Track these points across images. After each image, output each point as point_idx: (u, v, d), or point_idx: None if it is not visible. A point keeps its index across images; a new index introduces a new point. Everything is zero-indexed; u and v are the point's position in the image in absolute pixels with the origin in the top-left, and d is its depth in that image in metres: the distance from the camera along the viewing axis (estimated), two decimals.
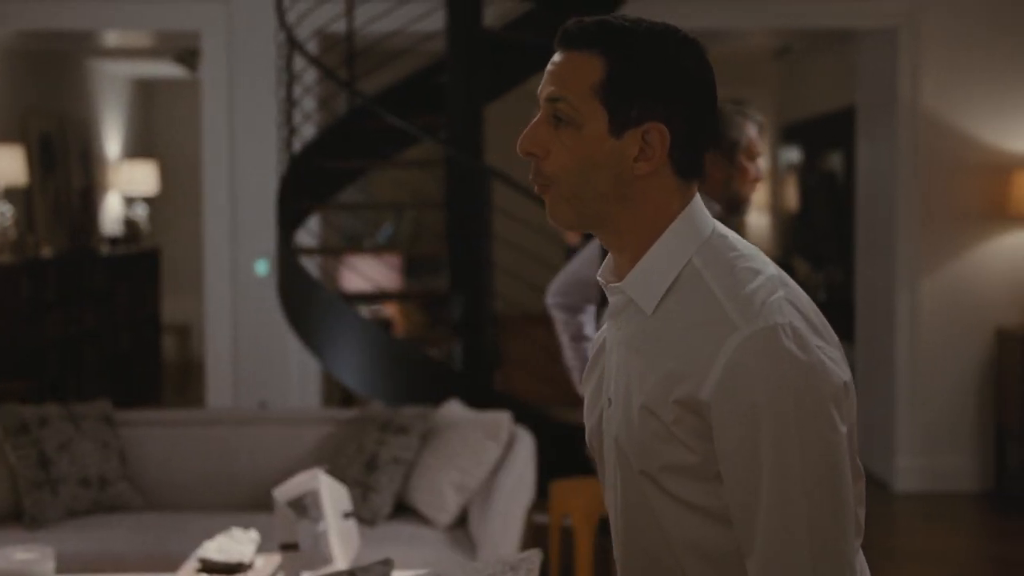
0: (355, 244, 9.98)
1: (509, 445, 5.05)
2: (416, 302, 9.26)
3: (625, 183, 1.62)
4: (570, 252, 6.08)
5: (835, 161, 10.24)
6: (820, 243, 11.07)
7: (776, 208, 12.49)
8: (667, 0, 6.93)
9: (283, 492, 3.95)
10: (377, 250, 9.05)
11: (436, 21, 6.53)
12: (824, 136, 10.46)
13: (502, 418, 5.03)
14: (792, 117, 11.67)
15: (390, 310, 9.34)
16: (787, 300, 1.57)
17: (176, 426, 5.36)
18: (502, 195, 6.43)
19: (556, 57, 1.65)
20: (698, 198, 1.67)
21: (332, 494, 4.09)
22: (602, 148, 1.61)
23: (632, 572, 1.72)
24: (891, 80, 7.43)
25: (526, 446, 5.10)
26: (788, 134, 12.02)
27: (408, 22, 6.61)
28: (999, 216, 7.24)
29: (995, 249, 7.29)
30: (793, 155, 12.03)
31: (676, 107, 1.61)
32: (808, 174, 11.34)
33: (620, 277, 1.69)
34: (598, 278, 1.72)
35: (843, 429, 1.54)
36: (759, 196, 12.29)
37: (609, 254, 1.72)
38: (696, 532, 1.60)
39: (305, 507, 4.00)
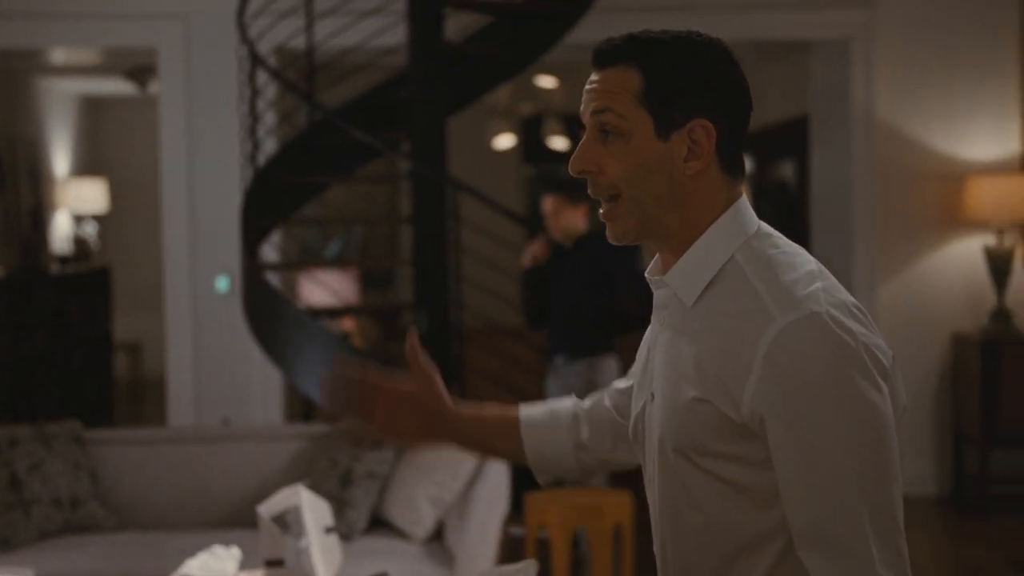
0: (312, 258, 9.95)
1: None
2: (373, 316, 9.24)
3: (678, 184, 1.68)
4: (526, 275, 6.11)
5: (787, 170, 10.34)
6: None
7: None
8: (618, 12, 7.01)
9: (267, 508, 3.94)
10: (339, 264, 9.04)
11: (396, 35, 6.54)
12: (776, 145, 10.57)
13: None
14: None
15: (347, 324, 9.31)
16: (824, 291, 1.61)
17: (147, 445, 5.33)
18: (467, 207, 6.45)
19: (592, 77, 1.72)
20: (744, 197, 1.74)
21: (314, 509, 4.08)
22: (652, 153, 1.67)
23: (673, 564, 1.74)
24: (845, 90, 7.52)
25: None
26: None
27: (368, 37, 6.61)
28: (953, 223, 7.35)
29: (950, 256, 7.39)
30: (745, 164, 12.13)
31: (716, 103, 1.68)
32: (760, 183, 11.44)
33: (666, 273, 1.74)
34: (646, 275, 1.77)
35: (887, 396, 1.59)
36: None
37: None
38: (739, 516, 1.64)
39: (287, 523, 3.99)
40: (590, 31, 6.88)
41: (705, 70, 1.68)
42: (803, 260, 1.67)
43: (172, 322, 7.35)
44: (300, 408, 8.03)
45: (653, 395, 1.73)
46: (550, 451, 2.04)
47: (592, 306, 5.93)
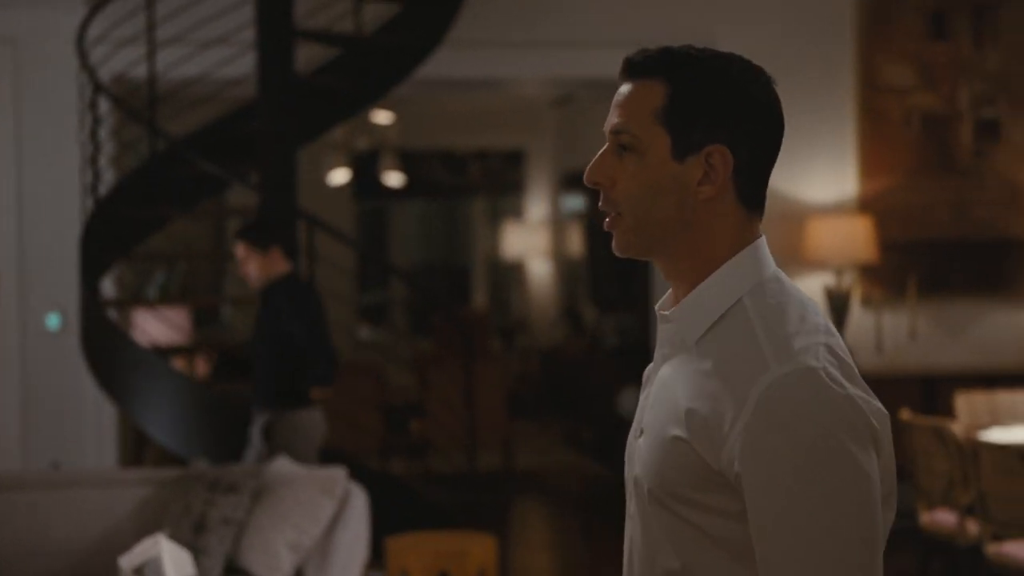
0: (140, 296, 9.64)
1: (344, 501, 4.90)
2: (208, 354, 8.98)
3: (688, 208, 1.62)
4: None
5: None
6: (606, 289, 11.26)
7: (559, 255, 12.65)
8: (469, 47, 6.97)
9: (128, 560, 3.74)
10: (179, 300, 8.75)
11: (242, 66, 6.36)
12: None
13: (336, 474, 4.89)
14: (574, 165, 11.87)
15: (179, 363, 9.03)
16: (826, 347, 1.56)
17: None
18: (323, 243, 6.32)
19: (621, 88, 1.66)
20: (763, 240, 1.66)
21: (175, 560, 3.90)
22: (665, 173, 1.62)
23: None
24: None
25: (360, 501, 4.96)
26: (569, 182, 12.22)
27: (213, 67, 6.41)
28: (794, 263, 7.48)
29: None
30: (576, 202, 12.22)
31: (739, 132, 1.62)
32: (592, 221, 11.53)
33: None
34: (656, 309, 1.71)
35: (875, 465, 1.52)
36: (542, 243, 12.45)
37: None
38: (716, 565, 1.57)
39: (148, 575, 3.80)
40: (439, 66, 6.83)
41: (733, 95, 1.62)
42: (812, 313, 1.61)
43: None
44: (134, 449, 7.74)
45: (642, 431, 1.67)
46: None
47: (270, 358, 5.49)
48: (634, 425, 1.72)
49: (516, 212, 13.43)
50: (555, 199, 12.81)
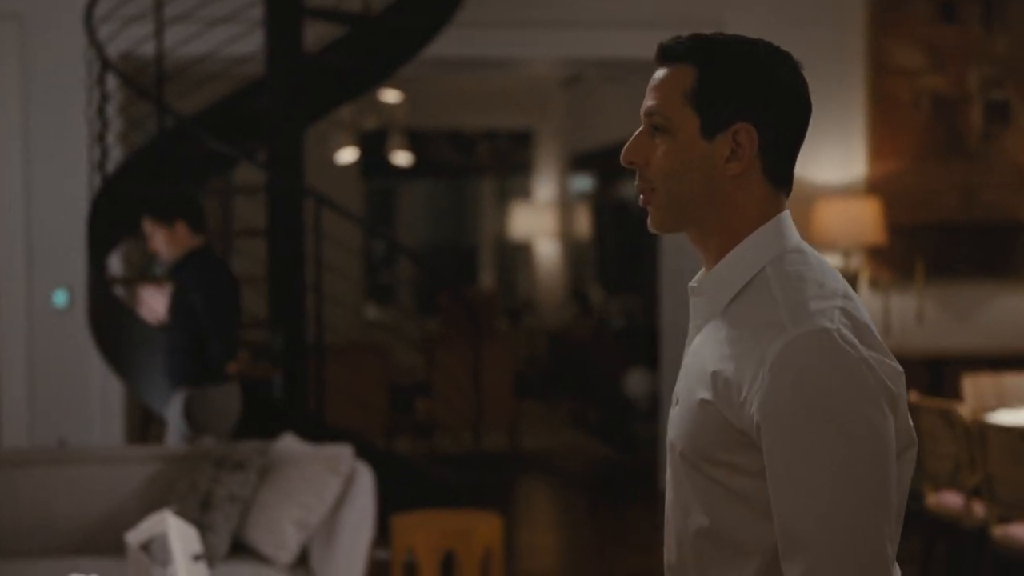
0: (147, 273, 9.64)
1: (350, 479, 4.91)
2: None
3: (717, 185, 1.71)
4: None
5: (629, 189, 10.42)
6: (614, 270, 11.25)
7: (567, 236, 12.63)
8: (477, 27, 6.95)
9: (135, 536, 3.74)
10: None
11: (250, 44, 6.35)
12: (618, 164, 10.63)
13: (343, 452, 4.89)
14: (583, 146, 11.84)
15: None
16: (841, 309, 1.64)
17: None
18: (331, 222, 6.31)
19: (655, 74, 1.76)
20: (787, 213, 1.76)
21: (181, 536, 3.89)
22: (695, 151, 1.71)
23: (679, 565, 1.76)
24: None
25: (366, 479, 4.96)
26: (579, 163, 12.19)
27: (221, 45, 6.40)
28: None
29: None
30: (584, 183, 12.20)
31: (765, 111, 1.71)
32: (601, 202, 11.51)
33: None
34: (689, 285, 1.79)
35: (889, 424, 1.59)
36: (549, 224, 12.44)
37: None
38: (743, 523, 1.66)
39: (153, 551, 3.81)
40: (448, 46, 6.81)
41: (758, 76, 1.71)
42: (831, 280, 1.69)
43: (5, 338, 7.00)
44: (140, 427, 7.75)
45: (677, 399, 1.76)
46: None
47: (183, 336, 5.40)
48: (673, 396, 1.81)
49: (524, 193, 13.41)
50: (563, 180, 12.78)
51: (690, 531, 1.71)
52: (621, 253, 10.97)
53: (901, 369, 1.64)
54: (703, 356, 1.71)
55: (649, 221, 1.77)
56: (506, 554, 4.94)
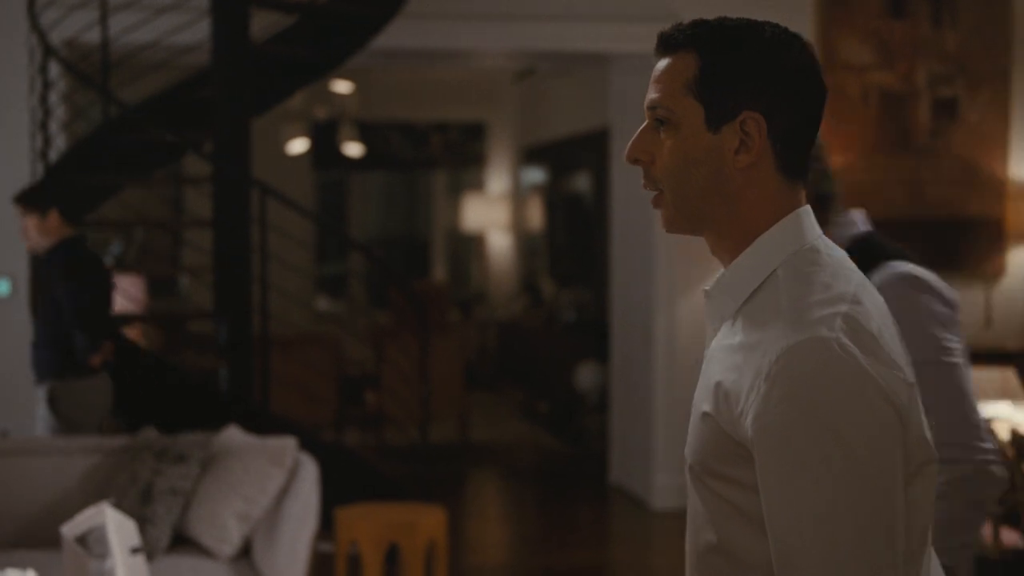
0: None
1: (293, 471, 4.87)
2: (160, 324, 8.91)
3: (726, 178, 1.60)
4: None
5: (582, 182, 10.41)
6: (565, 263, 11.24)
7: (519, 228, 12.62)
8: (426, 18, 6.91)
9: (71, 528, 3.69)
10: (133, 269, 8.67)
11: (196, 33, 6.28)
12: (570, 157, 10.63)
13: (287, 444, 4.85)
14: (535, 139, 11.83)
15: (132, 332, 8.96)
16: (844, 316, 1.51)
17: None
18: (280, 214, 6.26)
19: (657, 65, 1.66)
20: (807, 209, 1.63)
21: (119, 529, 3.85)
22: (700, 144, 1.60)
23: None
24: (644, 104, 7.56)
25: (310, 472, 4.93)
26: (531, 155, 12.18)
27: (167, 33, 6.33)
28: None
29: None
30: (537, 176, 12.18)
31: (773, 98, 1.59)
32: (552, 195, 11.49)
33: None
34: (703, 289, 1.69)
35: (895, 434, 1.48)
36: (502, 216, 12.43)
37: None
38: (746, 540, 1.56)
39: (90, 544, 3.76)
40: (398, 37, 6.77)
41: (763, 61, 1.59)
42: (840, 283, 1.57)
43: None
44: None
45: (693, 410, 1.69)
46: None
47: (47, 329, 5.41)
48: None
49: (476, 185, 13.38)
50: (516, 172, 12.77)
51: (700, 547, 1.63)
52: (572, 246, 10.96)
53: (912, 380, 1.53)
54: (711, 366, 1.61)
55: (661, 222, 1.66)
56: (451, 547, 4.91)
